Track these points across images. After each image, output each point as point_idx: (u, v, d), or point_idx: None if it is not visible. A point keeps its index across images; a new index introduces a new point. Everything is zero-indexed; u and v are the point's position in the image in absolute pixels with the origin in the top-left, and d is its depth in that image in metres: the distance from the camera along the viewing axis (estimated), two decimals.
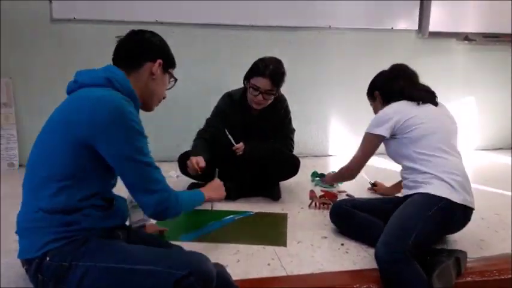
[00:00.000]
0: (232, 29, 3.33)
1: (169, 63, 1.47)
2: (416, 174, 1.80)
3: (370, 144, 1.96)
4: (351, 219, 1.95)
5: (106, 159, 1.25)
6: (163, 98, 1.50)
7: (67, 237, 1.24)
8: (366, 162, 2.02)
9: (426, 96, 1.93)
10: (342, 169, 2.16)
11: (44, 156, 1.27)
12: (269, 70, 2.28)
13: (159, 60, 1.42)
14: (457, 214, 1.74)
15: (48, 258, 1.23)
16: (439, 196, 1.69)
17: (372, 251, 1.78)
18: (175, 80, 1.52)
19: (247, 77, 2.36)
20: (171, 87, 1.52)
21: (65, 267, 1.22)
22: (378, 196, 2.45)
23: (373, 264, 1.65)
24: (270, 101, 2.38)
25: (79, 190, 1.25)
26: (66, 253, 1.23)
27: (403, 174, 1.92)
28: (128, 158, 1.23)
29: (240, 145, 2.37)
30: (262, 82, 2.29)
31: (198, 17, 3.21)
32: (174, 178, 2.79)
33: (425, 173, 1.77)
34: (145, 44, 1.42)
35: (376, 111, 2.08)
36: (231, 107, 2.46)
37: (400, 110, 1.89)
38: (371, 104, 2.15)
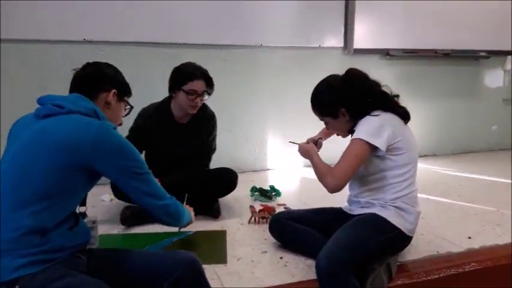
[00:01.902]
0: (165, 47, 3.32)
1: (123, 92, 1.54)
2: (383, 195, 1.75)
3: (362, 153, 1.69)
4: (288, 231, 1.96)
5: (112, 178, 1.36)
6: (120, 124, 1.55)
7: (40, 261, 1.18)
8: (353, 175, 1.73)
9: (407, 115, 1.81)
10: (326, 171, 1.76)
11: (28, 175, 1.25)
12: (200, 72, 2.38)
13: (114, 90, 1.49)
14: (405, 244, 1.83)
15: (17, 287, 1.14)
16: (394, 225, 1.71)
17: (310, 262, 1.84)
18: (131, 107, 1.60)
19: (179, 85, 2.38)
20: (127, 114, 1.61)
21: None
22: (315, 208, 2.38)
23: (312, 276, 1.71)
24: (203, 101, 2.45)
25: (62, 207, 1.28)
26: (42, 283, 1.15)
27: (362, 190, 1.83)
28: (136, 172, 1.36)
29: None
30: (198, 85, 2.36)
31: (128, 35, 3.17)
32: (108, 202, 2.69)
33: (394, 199, 1.74)
34: (100, 75, 1.49)
35: (338, 129, 1.90)
36: (151, 122, 2.45)
37: (394, 126, 1.73)
38: (327, 122, 1.90)
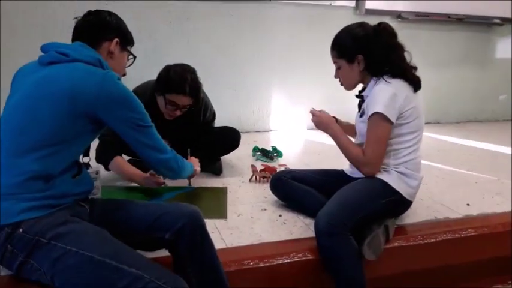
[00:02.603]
0: (172, 1, 3.24)
1: (126, 41, 1.51)
2: (387, 160, 1.74)
3: (387, 131, 1.69)
4: (290, 189, 1.98)
5: (114, 128, 1.33)
6: (124, 75, 1.53)
7: (44, 206, 1.20)
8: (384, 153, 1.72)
9: (419, 85, 1.77)
10: (359, 159, 1.74)
11: (36, 122, 1.24)
12: (188, 86, 2.12)
13: (116, 39, 1.45)
14: (405, 208, 1.85)
15: (21, 230, 1.16)
16: (395, 189, 1.71)
17: (308, 220, 1.86)
18: (135, 57, 1.56)
19: (162, 90, 2.16)
20: (131, 64, 1.56)
21: (41, 243, 1.16)
22: (317, 169, 2.26)
23: (309, 234, 1.74)
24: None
25: (67, 154, 1.28)
26: (45, 228, 1.17)
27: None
28: (139, 124, 1.34)
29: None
30: (181, 99, 2.15)
31: None
32: None
33: (398, 164, 1.74)
34: (102, 24, 1.45)
35: (347, 77, 1.82)
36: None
37: (406, 95, 1.69)
38: (340, 66, 1.81)
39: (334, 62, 1.83)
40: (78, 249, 1.16)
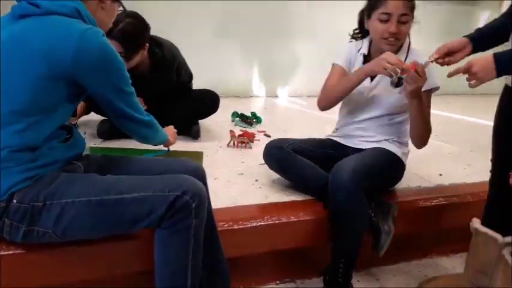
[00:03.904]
0: None
1: None
2: (397, 133, 1.80)
3: None
4: (289, 162, 1.80)
5: (92, 93, 1.22)
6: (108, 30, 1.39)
7: (33, 175, 1.16)
8: None
9: None
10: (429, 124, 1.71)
11: (8, 88, 1.13)
12: (116, 30, 2.00)
13: None
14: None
15: (15, 201, 1.13)
16: (401, 159, 1.79)
17: (285, 185, 1.87)
18: (125, 9, 1.44)
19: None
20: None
21: (38, 207, 1.13)
22: (310, 138, 1.95)
23: (285, 198, 1.76)
24: (133, 64, 2.15)
25: (48, 124, 1.19)
26: (36, 192, 1.14)
27: (375, 127, 1.80)
28: (119, 90, 1.24)
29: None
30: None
31: None
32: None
33: (401, 136, 1.82)
34: None
35: (405, 33, 1.68)
36: None
37: None
38: (406, 21, 1.65)
39: (403, 15, 1.62)
40: (73, 198, 1.15)
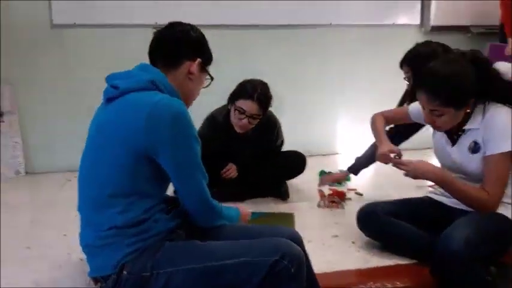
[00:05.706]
0: (232, 29, 3.31)
1: (207, 62, 1.37)
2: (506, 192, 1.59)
3: (509, 165, 1.55)
4: (384, 226, 1.74)
5: (164, 166, 1.21)
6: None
7: (141, 247, 1.21)
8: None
9: None
10: (482, 199, 1.56)
11: (101, 174, 1.22)
12: (257, 93, 2.17)
13: (199, 59, 1.32)
14: None
15: (125, 272, 1.19)
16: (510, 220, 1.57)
17: (379, 249, 1.75)
18: (212, 78, 1.40)
19: (232, 99, 2.25)
20: (208, 85, 1.41)
21: (146, 277, 1.19)
22: (403, 198, 1.90)
23: (386, 262, 1.64)
24: (253, 125, 2.27)
25: (146, 201, 1.23)
26: (144, 263, 1.20)
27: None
28: (189, 165, 1.22)
29: (230, 167, 2.35)
30: (249, 105, 2.18)
31: (196, 18, 3.17)
32: None
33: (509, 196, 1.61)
34: (186, 40, 1.31)
35: (449, 123, 1.57)
36: (215, 131, 2.32)
37: None
38: (441, 114, 1.54)
39: (432, 109, 1.54)
40: (178, 267, 1.18)
